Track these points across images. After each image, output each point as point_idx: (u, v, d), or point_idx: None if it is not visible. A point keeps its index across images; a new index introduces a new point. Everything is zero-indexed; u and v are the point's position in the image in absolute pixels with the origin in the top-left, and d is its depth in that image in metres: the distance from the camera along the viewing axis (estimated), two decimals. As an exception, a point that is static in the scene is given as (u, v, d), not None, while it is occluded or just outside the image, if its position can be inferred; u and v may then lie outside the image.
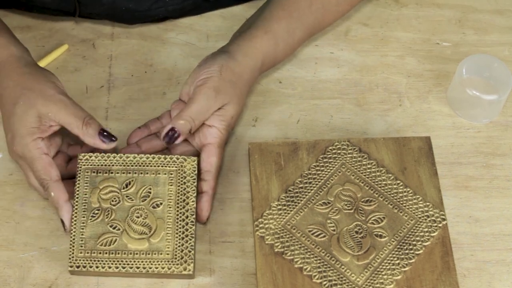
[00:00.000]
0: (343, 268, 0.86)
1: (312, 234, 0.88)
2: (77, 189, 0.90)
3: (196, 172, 0.91)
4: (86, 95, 1.03)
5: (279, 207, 0.90)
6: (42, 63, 1.04)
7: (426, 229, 0.88)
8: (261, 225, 0.89)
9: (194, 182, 0.90)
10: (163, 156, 0.91)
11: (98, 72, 1.05)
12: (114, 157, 0.91)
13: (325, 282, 0.85)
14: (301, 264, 0.86)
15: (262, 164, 0.92)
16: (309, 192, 0.91)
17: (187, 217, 0.89)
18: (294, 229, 0.88)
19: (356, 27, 1.10)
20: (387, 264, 0.86)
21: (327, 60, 1.07)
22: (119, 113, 1.02)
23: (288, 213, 0.89)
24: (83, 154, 0.91)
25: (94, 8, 1.04)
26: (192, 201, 0.89)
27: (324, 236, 0.88)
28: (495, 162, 0.99)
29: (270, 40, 0.97)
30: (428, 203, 0.90)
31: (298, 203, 0.90)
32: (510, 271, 0.91)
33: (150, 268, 0.87)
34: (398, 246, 0.87)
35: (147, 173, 0.91)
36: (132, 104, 1.02)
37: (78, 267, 0.87)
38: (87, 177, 0.90)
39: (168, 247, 0.88)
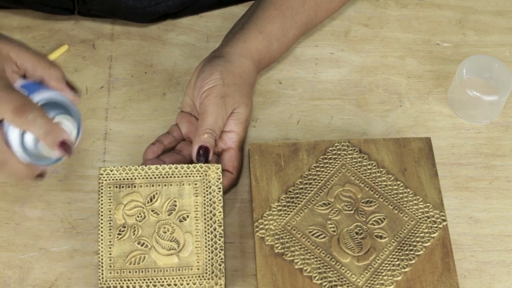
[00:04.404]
0: (343, 269, 0.86)
1: (312, 235, 0.88)
2: (101, 205, 0.88)
3: (221, 180, 0.89)
4: (86, 95, 1.03)
5: (279, 208, 0.90)
6: (42, 64, 1.04)
7: (426, 230, 0.88)
8: (261, 226, 0.88)
9: (219, 192, 0.88)
10: (186, 165, 0.89)
11: (98, 73, 1.05)
12: (136, 169, 0.89)
13: (325, 283, 0.85)
14: (301, 265, 0.86)
15: (262, 165, 0.92)
16: (309, 193, 0.91)
17: (215, 229, 0.87)
18: (294, 230, 0.88)
19: (356, 27, 1.10)
20: (387, 265, 0.86)
21: (327, 60, 1.07)
22: (119, 114, 1.01)
23: (288, 214, 0.89)
24: (103, 168, 0.89)
25: (94, 5, 1.04)
26: (219, 212, 0.87)
27: (324, 237, 0.88)
28: (496, 163, 0.99)
29: (264, 40, 0.97)
30: (428, 204, 0.90)
31: (298, 204, 0.90)
32: (511, 272, 0.91)
33: (182, 284, 0.86)
34: (399, 247, 0.87)
35: (171, 185, 0.88)
36: (132, 104, 1.02)
37: (109, 287, 0.86)
38: (110, 193, 0.88)
39: (198, 262, 0.86)
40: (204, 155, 0.90)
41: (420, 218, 0.89)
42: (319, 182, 0.91)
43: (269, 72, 1.05)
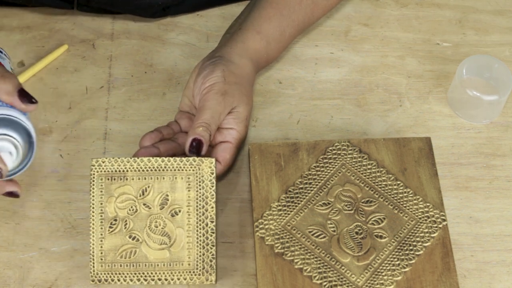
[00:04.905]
0: (343, 269, 0.86)
1: (312, 234, 0.88)
2: (92, 198, 0.87)
3: (214, 174, 0.88)
4: (86, 95, 1.03)
5: (279, 207, 0.90)
6: (42, 64, 1.04)
7: (426, 230, 0.88)
8: (261, 226, 0.88)
9: (212, 186, 0.87)
10: (179, 158, 0.88)
11: (98, 73, 1.05)
12: (128, 161, 0.88)
13: (325, 283, 0.85)
14: (301, 265, 0.86)
15: (262, 164, 0.92)
16: (309, 193, 0.91)
17: (207, 224, 0.87)
18: (294, 229, 0.88)
19: (356, 27, 1.10)
20: (387, 265, 0.86)
21: (327, 60, 1.07)
22: (119, 114, 1.02)
23: (288, 214, 0.89)
24: (95, 159, 0.88)
25: None
26: (212, 208, 0.87)
27: (324, 237, 0.88)
28: (496, 163, 0.99)
29: (262, 40, 0.97)
30: (428, 204, 0.90)
31: (298, 203, 0.90)
32: (511, 272, 0.91)
33: (172, 279, 0.86)
34: (399, 247, 0.87)
35: (163, 178, 0.88)
36: (132, 104, 1.02)
37: (99, 281, 0.86)
38: (101, 185, 0.88)
39: (189, 257, 0.86)
40: (196, 147, 0.90)
41: (420, 218, 0.89)
42: (319, 182, 0.91)
43: (269, 72, 1.06)
